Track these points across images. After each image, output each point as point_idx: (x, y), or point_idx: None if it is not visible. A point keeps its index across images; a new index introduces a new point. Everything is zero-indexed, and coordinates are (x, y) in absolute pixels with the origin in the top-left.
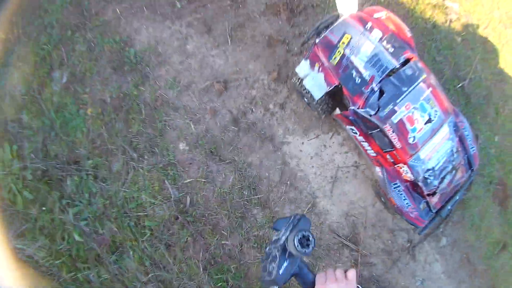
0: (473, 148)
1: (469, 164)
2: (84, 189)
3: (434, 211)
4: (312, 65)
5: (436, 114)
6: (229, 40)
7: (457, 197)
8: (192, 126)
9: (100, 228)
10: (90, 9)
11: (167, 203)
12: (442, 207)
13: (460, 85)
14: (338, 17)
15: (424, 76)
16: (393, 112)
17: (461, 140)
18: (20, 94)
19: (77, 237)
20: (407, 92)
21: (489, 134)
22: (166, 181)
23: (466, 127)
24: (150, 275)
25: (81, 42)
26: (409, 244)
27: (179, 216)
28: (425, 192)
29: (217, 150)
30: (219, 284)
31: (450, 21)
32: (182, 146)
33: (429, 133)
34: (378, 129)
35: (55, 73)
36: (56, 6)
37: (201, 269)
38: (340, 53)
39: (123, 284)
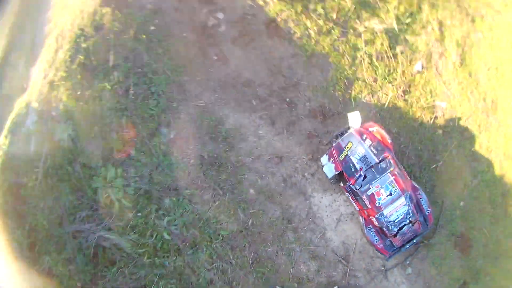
0: (428, 211)
1: (425, 221)
2: (179, 207)
3: (396, 247)
4: (329, 159)
5: (395, 191)
6: (285, 132)
7: (414, 240)
8: (259, 180)
9: (185, 231)
10: (191, 90)
11: (237, 222)
12: (403, 245)
13: (434, 165)
14: (348, 128)
15: (392, 169)
16: (368, 189)
17: (419, 206)
18: (128, 135)
19: (166, 236)
20: (378, 178)
21: (456, 200)
22: (238, 209)
23: (423, 198)
24: (214, 264)
25: (185, 113)
26: (383, 268)
27: (243, 230)
28: (388, 234)
29: (272, 196)
30: (259, 275)
31: (436, 117)
32: (251, 191)
33: (390, 201)
34: (360, 197)
35: (163, 129)
36: (160, 79)
37: (250, 264)
38: (345, 154)
39: (192, 269)
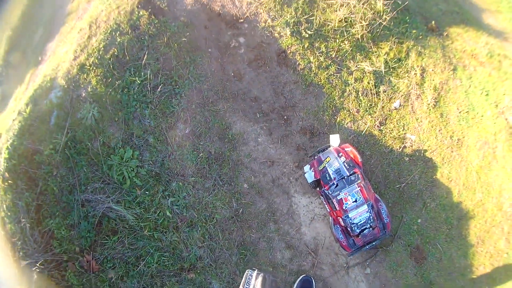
0: (387, 220)
1: (384, 228)
2: (184, 191)
3: (358, 246)
4: (310, 168)
5: (360, 199)
6: (279, 142)
7: (374, 243)
8: (253, 178)
9: (185, 212)
10: (209, 97)
11: (230, 209)
12: (363, 245)
13: (398, 186)
14: (328, 146)
15: (358, 181)
16: (338, 194)
17: (379, 214)
18: (149, 124)
19: (168, 213)
20: (347, 187)
21: (414, 217)
22: (232, 199)
23: (383, 208)
24: (205, 243)
25: (200, 115)
26: (345, 265)
27: (234, 217)
28: (351, 234)
29: (261, 192)
30: (242, 256)
31: (404, 147)
32: (245, 185)
33: (354, 206)
34: (331, 200)
35: (180, 124)
36: (184, 83)
37: (235, 246)
38: (323, 165)
39: (185, 245)
